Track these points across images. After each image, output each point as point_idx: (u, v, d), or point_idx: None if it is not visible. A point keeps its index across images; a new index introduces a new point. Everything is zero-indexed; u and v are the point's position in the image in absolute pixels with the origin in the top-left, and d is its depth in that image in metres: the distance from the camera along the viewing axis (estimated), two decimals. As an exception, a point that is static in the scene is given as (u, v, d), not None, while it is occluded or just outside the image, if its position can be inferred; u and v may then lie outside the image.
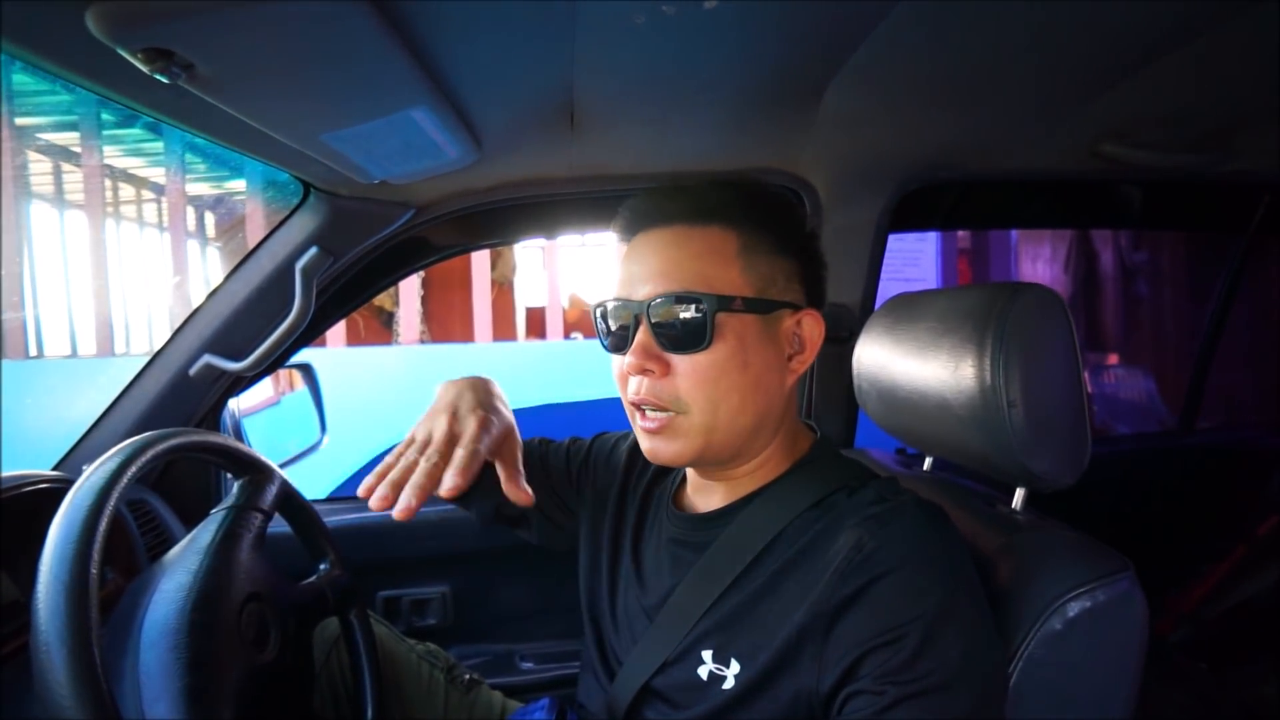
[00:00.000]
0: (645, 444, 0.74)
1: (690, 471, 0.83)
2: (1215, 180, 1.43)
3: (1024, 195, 1.58)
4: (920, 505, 0.67)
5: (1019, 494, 0.80)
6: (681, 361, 0.70)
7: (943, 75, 0.91)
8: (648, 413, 0.72)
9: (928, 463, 1.05)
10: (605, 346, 0.77)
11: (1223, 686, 1.10)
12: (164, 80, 0.59)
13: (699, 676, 0.69)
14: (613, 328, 0.74)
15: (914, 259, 4.58)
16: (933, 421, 0.83)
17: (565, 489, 0.97)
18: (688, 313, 0.69)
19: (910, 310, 0.90)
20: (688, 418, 0.71)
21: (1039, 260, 4.71)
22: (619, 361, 0.74)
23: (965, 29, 0.78)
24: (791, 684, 0.63)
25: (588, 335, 5.02)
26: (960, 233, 4.88)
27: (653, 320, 0.70)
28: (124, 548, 1.07)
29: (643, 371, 0.71)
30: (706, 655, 0.69)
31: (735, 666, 0.67)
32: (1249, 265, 1.83)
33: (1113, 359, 4.35)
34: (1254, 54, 0.89)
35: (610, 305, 0.74)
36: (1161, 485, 1.72)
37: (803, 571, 0.66)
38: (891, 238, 1.35)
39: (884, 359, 0.91)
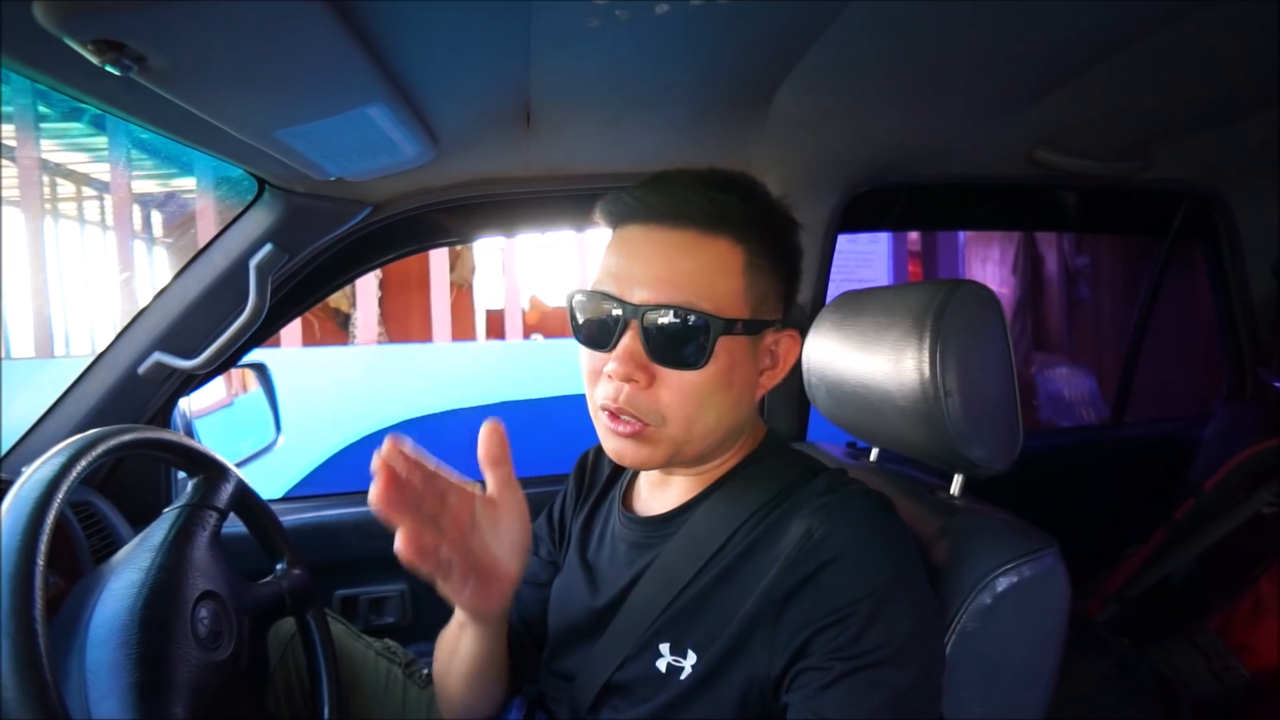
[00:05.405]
0: (612, 445, 0.71)
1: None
2: (1139, 187, 1.52)
3: (970, 198, 1.66)
4: (866, 494, 0.70)
5: (957, 480, 0.84)
6: (669, 375, 0.67)
7: (887, 80, 0.95)
8: (621, 417, 0.69)
9: (874, 454, 1.09)
10: (579, 339, 0.72)
11: (1141, 658, 1.18)
12: (115, 72, 0.59)
13: (658, 669, 0.70)
14: (593, 322, 0.70)
15: (867, 261, 4.73)
16: (877, 413, 0.87)
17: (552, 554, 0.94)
18: (689, 331, 0.65)
19: (856, 306, 0.93)
20: (663, 429, 0.69)
21: (988, 263, 4.88)
22: (593, 358, 0.70)
23: (907, 36, 0.83)
24: (745, 670, 0.65)
25: (548, 335, 5.01)
26: (911, 235, 5.03)
27: (645, 328, 0.66)
28: (67, 551, 1.03)
29: (628, 379, 0.67)
30: (664, 648, 0.70)
31: (692, 657, 0.68)
32: (1176, 269, 1.95)
33: (1057, 359, 4.53)
34: (1167, 72, 0.96)
35: (593, 297, 0.69)
36: (1094, 475, 1.82)
37: (755, 561, 0.68)
38: (845, 240, 1.40)
39: (831, 354, 0.95)
